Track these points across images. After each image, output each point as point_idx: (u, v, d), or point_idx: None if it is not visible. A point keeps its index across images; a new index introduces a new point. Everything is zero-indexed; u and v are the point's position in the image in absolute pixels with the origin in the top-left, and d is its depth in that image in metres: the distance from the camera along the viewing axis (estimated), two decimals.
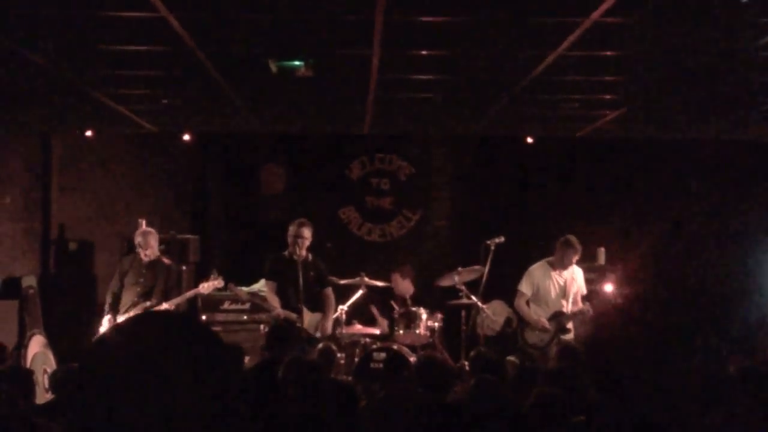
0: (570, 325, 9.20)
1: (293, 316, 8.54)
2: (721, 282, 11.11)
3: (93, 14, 5.59)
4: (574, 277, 9.29)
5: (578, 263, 9.30)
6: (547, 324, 9.08)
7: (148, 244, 8.99)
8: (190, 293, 9.06)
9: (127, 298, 8.86)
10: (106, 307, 8.91)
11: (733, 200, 11.44)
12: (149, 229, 9.28)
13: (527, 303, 9.23)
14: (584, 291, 9.41)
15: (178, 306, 8.94)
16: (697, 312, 10.75)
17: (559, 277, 9.22)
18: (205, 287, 8.98)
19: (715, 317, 10.70)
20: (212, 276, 9.03)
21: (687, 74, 7.16)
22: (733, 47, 6.22)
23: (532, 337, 9.20)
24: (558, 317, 9.14)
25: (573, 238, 9.13)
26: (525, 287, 9.23)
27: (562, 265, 9.18)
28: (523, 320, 9.28)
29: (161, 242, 9.48)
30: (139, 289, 8.87)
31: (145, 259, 8.95)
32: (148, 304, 8.76)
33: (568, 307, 9.23)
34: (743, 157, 11.36)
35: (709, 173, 11.47)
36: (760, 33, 5.79)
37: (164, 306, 8.73)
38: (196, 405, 1.54)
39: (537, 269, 9.28)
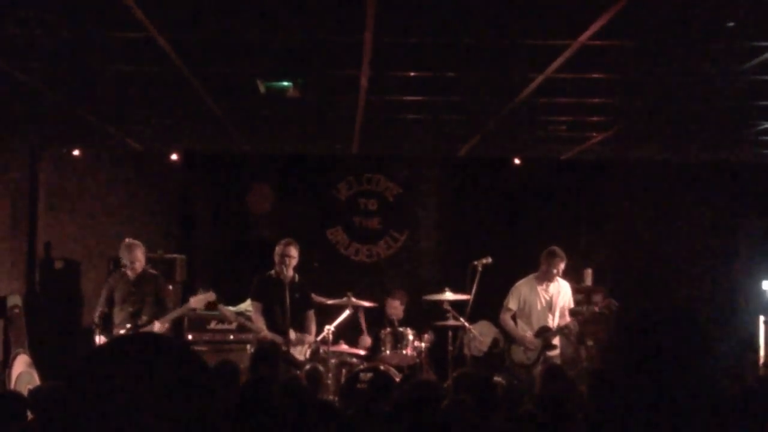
0: (556, 341, 9.20)
1: (279, 338, 8.50)
2: (708, 302, 11.13)
3: (81, 34, 5.59)
4: (561, 290, 9.26)
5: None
6: (533, 340, 9.06)
7: (135, 257, 8.80)
8: (181, 310, 8.92)
9: (119, 317, 8.73)
10: (96, 329, 8.75)
11: (720, 220, 11.48)
12: (134, 241, 9.03)
13: (513, 319, 9.22)
14: (572, 305, 9.39)
15: (171, 323, 8.84)
16: (684, 333, 10.74)
17: (545, 292, 9.20)
18: (195, 301, 8.84)
19: (702, 338, 10.69)
20: (201, 290, 8.91)
21: (674, 96, 7.21)
22: (720, 70, 6.26)
23: (518, 355, 9.17)
24: (544, 333, 9.11)
25: (557, 248, 9.14)
26: (511, 303, 9.22)
27: (549, 278, 9.15)
28: (509, 337, 9.26)
29: (148, 261, 9.42)
30: (130, 308, 8.72)
31: (132, 275, 8.83)
32: (139, 322, 8.65)
33: (554, 322, 9.19)
34: (731, 178, 11.40)
35: (696, 194, 11.51)
36: (747, 56, 5.83)
37: (156, 325, 8.57)
38: (178, 428, 1.53)
39: (523, 285, 9.28)
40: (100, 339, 8.62)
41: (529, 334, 9.12)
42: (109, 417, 1.53)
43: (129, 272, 8.80)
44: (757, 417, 5.34)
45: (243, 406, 6.07)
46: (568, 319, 9.22)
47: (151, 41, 5.59)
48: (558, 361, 9.05)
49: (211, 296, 8.90)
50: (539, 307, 9.18)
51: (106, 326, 8.68)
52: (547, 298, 9.20)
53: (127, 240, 9.18)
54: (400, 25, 5.32)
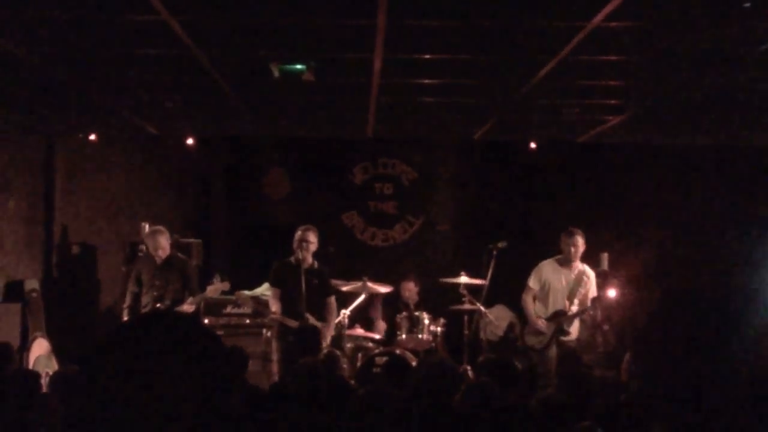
0: (572, 328, 9.12)
1: (293, 322, 8.51)
2: (725, 288, 11.06)
3: (96, 17, 5.59)
4: (584, 278, 9.13)
5: None
6: (543, 326, 9.01)
7: (159, 244, 8.88)
8: (196, 299, 8.97)
9: (144, 301, 8.83)
10: (126, 309, 8.85)
11: (739, 204, 11.40)
12: (157, 227, 9.13)
13: (534, 299, 9.17)
14: (594, 293, 9.27)
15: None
16: (701, 318, 10.70)
17: (567, 276, 9.10)
18: (212, 290, 8.93)
19: (720, 324, 10.65)
20: (216, 279, 8.99)
21: (690, 79, 7.16)
22: (736, 51, 6.21)
23: (531, 339, 9.12)
24: (558, 317, 9.03)
25: (574, 228, 9.07)
26: (533, 282, 9.12)
27: (571, 259, 9.05)
28: (525, 318, 9.21)
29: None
30: (155, 292, 8.81)
31: (159, 261, 8.89)
32: (159, 306, 8.72)
33: (572, 308, 9.10)
34: (751, 162, 11.32)
35: (712, 178, 11.45)
36: (764, 36, 5.78)
37: (184, 307, 8.71)
38: (196, 407, 1.53)
39: (547, 265, 9.17)
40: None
41: (542, 320, 9.05)
42: (127, 398, 1.53)
43: (155, 257, 8.87)
44: None
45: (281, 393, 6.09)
46: (588, 304, 9.17)
47: (164, 25, 5.59)
48: (573, 346, 9.01)
49: (226, 286, 8.98)
50: (560, 291, 9.09)
51: (136, 308, 8.76)
52: (569, 282, 9.10)
53: (149, 227, 9.22)
54: (414, 7, 5.30)
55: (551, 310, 9.09)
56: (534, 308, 9.12)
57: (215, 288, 8.93)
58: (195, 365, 1.55)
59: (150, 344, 1.56)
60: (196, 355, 1.56)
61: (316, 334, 7.98)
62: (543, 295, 9.13)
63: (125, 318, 8.77)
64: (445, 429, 5.23)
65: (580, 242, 9.03)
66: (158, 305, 8.72)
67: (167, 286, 8.82)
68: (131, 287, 8.94)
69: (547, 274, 9.13)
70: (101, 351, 1.58)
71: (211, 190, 11.87)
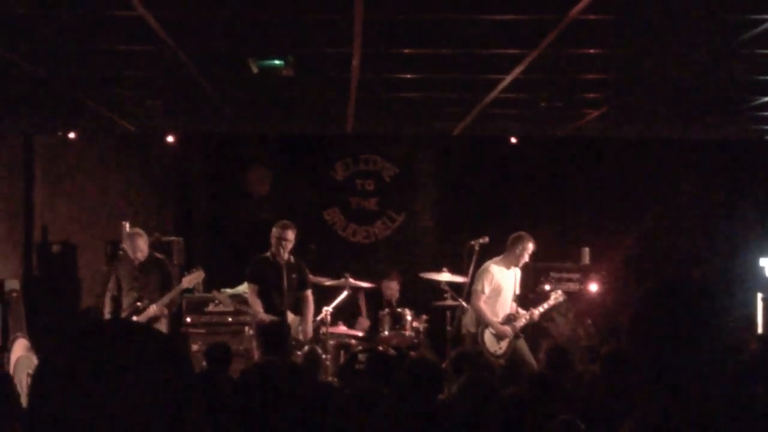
0: (519, 324, 8.96)
1: (276, 319, 8.49)
2: (705, 280, 11.12)
3: (73, 14, 5.56)
4: (517, 276, 9.04)
5: (563, 262, 9.27)
6: (508, 331, 8.87)
7: (137, 247, 8.88)
8: (174, 292, 8.96)
9: (125, 303, 8.82)
10: (108, 314, 8.82)
11: (718, 198, 11.46)
12: (135, 230, 9.14)
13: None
14: (518, 291, 9.13)
15: (168, 306, 8.88)
16: (682, 309, 10.74)
17: (512, 277, 8.97)
18: (187, 281, 8.94)
19: (699, 315, 10.69)
20: (193, 269, 9.01)
21: (668, 71, 7.17)
22: (715, 43, 6.23)
23: (492, 345, 8.91)
24: (511, 321, 8.91)
25: (525, 233, 8.94)
26: (485, 286, 8.88)
27: (518, 262, 8.93)
28: (482, 323, 8.94)
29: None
30: (135, 293, 8.81)
31: (137, 262, 8.88)
32: (138, 305, 8.70)
33: (516, 309, 8.99)
34: (729, 156, 11.38)
35: (692, 171, 11.49)
36: (742, 28, 5.79)
37: (152, 309, 8.66)
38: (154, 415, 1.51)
39: (494, 267, 8.96)
40: None
41: (505, 326, 8.87)
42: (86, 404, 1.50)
43: (134, 258, 8.86)
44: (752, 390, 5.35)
45: (247, 389, 6.06)
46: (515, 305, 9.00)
47: (141, 21, 5.56)
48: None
49: (201, 274, 8.97)
50: (508, 292, 8.97)
51: (117, 311, 8.75)
52: (515, 283, 8.99)
53: (128, 229, 9.20)
54: (391, 2, 5.28)
55: (502, 313, 8.97)
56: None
57: (190, 278, 8.94)
58: (151, 373, 1.52)
59: (106, 350, 1.53)
60: (152, 363, 1.53)
61: (282, 332, 7.96)
62: (493, 299, 8.95)
63: None
64: (428, 425, 5.23)
65: (533, 248, 8.94)
66: (138, 304, 8.70)
67: (147, 287, 8.82)
68: (110, 292, 8.92)
69: (498, 277, 8.94)
70: (60, 350, 1.56)
71: (191, 188, 11.84)
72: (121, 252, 9.68)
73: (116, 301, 8.87)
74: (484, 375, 5.79)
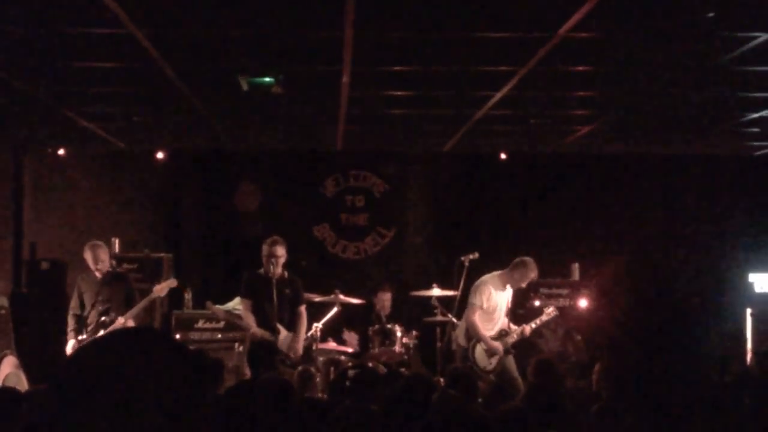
0: (511, 340, 8.93)
1: (268, 335, 8.46)
2: (695, 296, 11.14)
3: (62, 31, 5.56)
4: (509, 294, 9.00)
5: (553, 277, 9.26)
6: (500, 347, 8.84)
7: (98, 258, 8.72)
8: (145, 301, 8.82)
9: (90, 318, 8.70)
10: (71, 332, 8.70)
11: (706, 213, 11.49)
12: (95, 242, 8.90)
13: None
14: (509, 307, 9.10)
15: (135, 317, 8.75)
16: (670, 325, 10.77)
17: (506, 294, 8.94)
18: (159, 289, 8.82)
19: (688, 330, 10.72)
20: (163, 278, 8.93)
21: (656, 88, 7.20)
22: (703, 61, 6.26)
23: (482, 360, 8.88)
24: (503, 337, 8.88)
25: (532, 260, 8.85)
26: (482, 300, 8.82)
27: (515, 285, 8.88)
28: (474, 337, 8.88)
29: (135, 261, 9.35)
30: (100, 307, 8.67)
31: (99, 275, 8.76)
32: (104, 319, 8.57)
33: (508, 324, 8.96)
34: (717, 171, 11.43)
35: (682, 187, 11.53)
36: (729, 47, 5.83)
37: (120, 320, 8.53)
38: (168, 424, 1.50)
39: (491, 282, 8.88)
40: (75, 341, 8.57)
41: (497, 341, 8.83)
42: (98, 416, 1.50)
43: (96, 273, 8.72)
44: (743, 406, 5.36)
45: (232, 407, 6.05)
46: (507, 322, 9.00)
47: (131, 37, 5.57)
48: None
49: (173, 282, 8.89)
50: (503, 308, 8.93)
51: (80, 329, 8.62)
52: (508, 300, 8.97)
53: (89, 242, 9.09)
54: (380, 19, 5.30)
55: (496, 329, 8.94)
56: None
57: (161, 287, 8.82)
58: (165, 380, 1.52)
59: (118, 362, 1.53)
60: (165, 370, 1.53)
61: (270, 350, 7.92)
62: (488, 314, 8.90)
63: (71, 340, 8.61)
64: None
65: (534, 277, 8.92)
66: (104, 318, 8.55)
67: (111, 300, 8.67)
68: (72, 311, 8.77)
69: (494, 292, 8.87)
70: (70, 369, 1.55)
71: (181, 204, 11.81)
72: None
73: (80, 319, 8.73)
74: (455, 392, 5.75)
